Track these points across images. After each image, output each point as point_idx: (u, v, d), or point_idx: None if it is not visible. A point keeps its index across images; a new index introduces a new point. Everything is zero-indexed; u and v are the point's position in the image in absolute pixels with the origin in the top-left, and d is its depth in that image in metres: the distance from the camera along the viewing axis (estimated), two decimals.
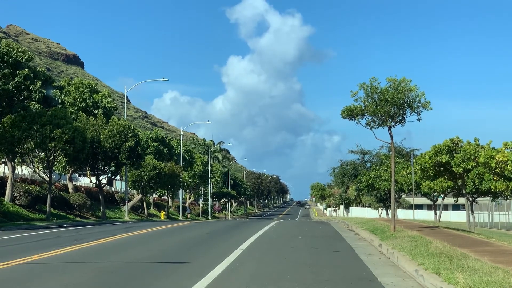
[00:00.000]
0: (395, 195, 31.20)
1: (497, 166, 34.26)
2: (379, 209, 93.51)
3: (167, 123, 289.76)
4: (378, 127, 24.86)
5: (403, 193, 76.63)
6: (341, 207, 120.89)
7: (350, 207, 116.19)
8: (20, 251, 18.42)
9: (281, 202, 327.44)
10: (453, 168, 37.29)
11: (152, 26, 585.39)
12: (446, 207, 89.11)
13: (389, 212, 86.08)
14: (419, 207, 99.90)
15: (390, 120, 24.37)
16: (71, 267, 14.68)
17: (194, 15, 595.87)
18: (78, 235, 26.99)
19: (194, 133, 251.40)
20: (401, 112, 24.31)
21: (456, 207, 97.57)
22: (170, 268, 14.64)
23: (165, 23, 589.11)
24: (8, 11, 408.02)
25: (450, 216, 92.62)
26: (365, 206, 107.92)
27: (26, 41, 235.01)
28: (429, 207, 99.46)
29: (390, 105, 23.85)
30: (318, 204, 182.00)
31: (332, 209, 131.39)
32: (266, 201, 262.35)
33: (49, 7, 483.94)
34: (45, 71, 47.73)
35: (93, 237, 24.88)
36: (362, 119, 24.89)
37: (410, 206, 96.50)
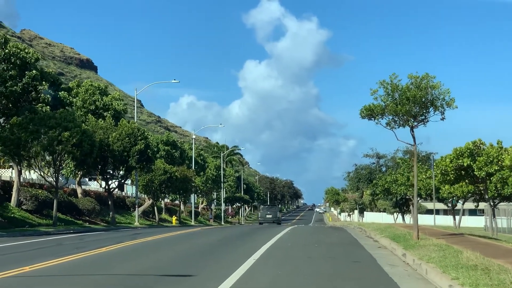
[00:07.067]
0: (415, 200, 29.62)
1: None
2: (395, 214, 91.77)
3: (181, 127, 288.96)
4: (399, 127, 23.30)
5: (419, 198, 74.96)
6: (356, 212, 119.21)
7: (365, 212, 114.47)
8: (13, 261, 17.04)
9: (295, 207, 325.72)
10: (475, 172, 35.70)
11: (167, 31, 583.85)
12: (463, 212, 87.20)
13: (405, 217, 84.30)
14: (435, 212, 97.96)
15: (412, 120, 22.80)
16: (63, 280, 13.29)
17: (210, 20, 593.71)
18: (81, 242, 25.64)
19: (207, 138, 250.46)
20: (424, 111, 22.74)
21: (473, 212, 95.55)
22: (175, 281, 13.23)
23: (181, 28, 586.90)
24: (22, 16, 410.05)
25: (468, 222, 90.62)
26: (380, 211, 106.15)
27: (40, 45, 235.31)
28: (445, 212, 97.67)
29: (412, 103, 22.30)
30: (332, 209, 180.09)
31: (347, 214, 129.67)
32: (279, 206, 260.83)
33: (62, 12, 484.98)
34: (52, 72, 46.56)
35: (96, 244, 23.48)
36: (382, 119, 23.32)
37: (426, 211, 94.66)
